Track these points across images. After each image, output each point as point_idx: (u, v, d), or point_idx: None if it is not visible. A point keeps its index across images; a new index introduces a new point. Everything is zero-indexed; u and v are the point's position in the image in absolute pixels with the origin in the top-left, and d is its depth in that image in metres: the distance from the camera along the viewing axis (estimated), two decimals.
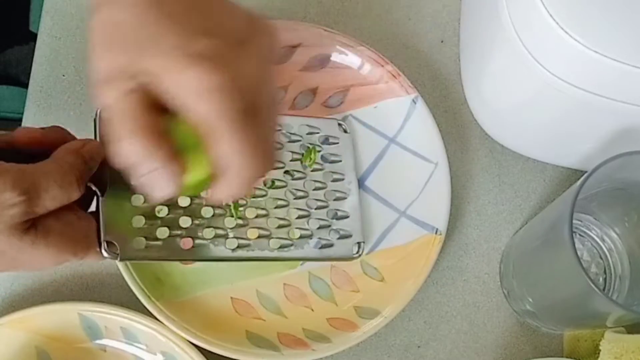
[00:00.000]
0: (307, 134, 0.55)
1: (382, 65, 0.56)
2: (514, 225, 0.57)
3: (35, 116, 0.57)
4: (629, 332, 0.51)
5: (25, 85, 0.57)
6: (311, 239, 0.53)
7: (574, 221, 0.44)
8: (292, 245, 0.52)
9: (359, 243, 0.53)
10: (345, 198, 0.54)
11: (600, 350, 0.50)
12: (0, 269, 0.41)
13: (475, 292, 0.56)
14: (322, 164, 0.55)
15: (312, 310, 0.53)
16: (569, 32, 0.43)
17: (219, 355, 0.51)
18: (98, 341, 0.51)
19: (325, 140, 0.55)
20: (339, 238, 0.53)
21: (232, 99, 0.36)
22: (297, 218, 0.53)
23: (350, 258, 0.53)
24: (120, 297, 0.53)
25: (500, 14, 0.47)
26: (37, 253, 0.40)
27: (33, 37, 0.59)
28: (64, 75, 0.58)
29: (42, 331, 0.51)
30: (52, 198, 0.39)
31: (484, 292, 0.56)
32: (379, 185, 0.56)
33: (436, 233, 0.54)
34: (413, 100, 0.56)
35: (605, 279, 0.54)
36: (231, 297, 0.53)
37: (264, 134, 0.38)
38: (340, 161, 0.55)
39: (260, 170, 0.38)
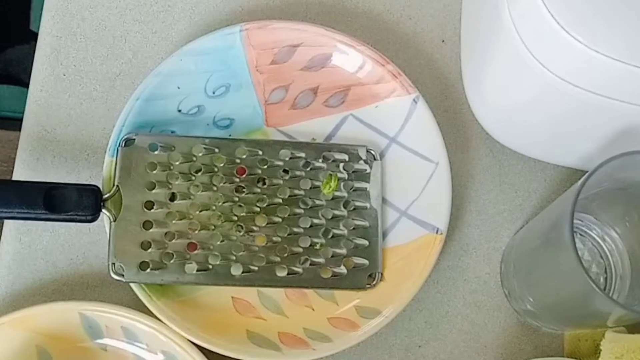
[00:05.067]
0: (332, 161, 0.54)
1: (383, 65, 0.56)
2: (514, 225, 0.57)
3: (36, 116, 0.57)
4: (629, 332, 0.51)
5: (25, 84, 0.57)
6: (321, 268, 0.52)
7: (575, 221, 0.44)
8: (300, 273, 0.52)
9: (372, 274, 0.53)
10: (365, 228, 0.54)
11: (601, 350, 0.50)
12: None
13: (475, 292, 0.56)
14: (344, 192, 0.54)
15: (313, 309, 0.53)
16: (570, 32, 0.43)
17: (219, 354, 0.51)
18: (99, 340, 0.51)
19: (351, 167, 0.55)
20: (352, 268, 0.53)
21: None
22: (309, 246, 0.53)
23: (361, 289, 0.53)
24: (121, 297, 0.53)
25: (501, 14, 0.47)
26: None
27: (34, 36, 0.59)
28: (64, 75, 0.58)
29: (42, 330, 0.51)
30: None
31: (485, 291, 0.56)
32: None
33: (437, 233, 0.54)
34: (414, 100, 0.56)
35: (606, 279, 0.54)
36: (232, 297, 0.53)
37: None
38: (365, 189, 0.54)
39: None
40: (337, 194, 0.54)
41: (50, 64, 0.58)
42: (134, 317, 0.50)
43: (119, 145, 0.52)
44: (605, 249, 0.54)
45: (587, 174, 0.44)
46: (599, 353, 0.50)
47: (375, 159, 0.55)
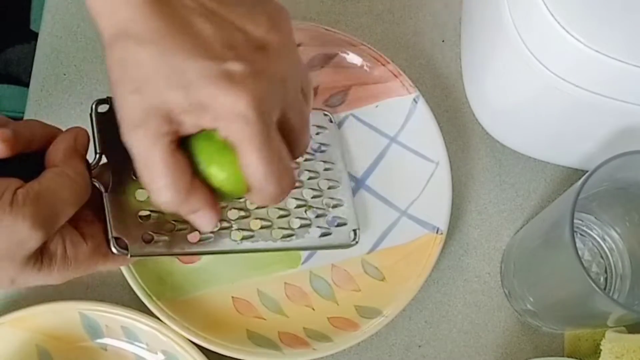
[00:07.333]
0: None
1: (383, 65, 0.56)
2: (514, 225, 0.57)
3: (36, 115, 0.57)
4: (630, 332, 0.51)
5: (26, 84, 0.57)
6: (311, 227, 0.52)
7: (575, 221, 0.44)
8: (293, 234, 0.52)
9: (354, 230, 0.53)
10: (337, 187, 0.54)
11: (601, 349, 0.50)
12: (7, 287, 0.41)
13: (476, 292, 0.56)
14: (312, 154, 0.54)
15: (313, 309, 0.53)
16: (570, 32, 0.43)
17: (220, 354, 0.51)
18: (99, 340, 0.51)
19: (313, 131, 0.55)
20: (336, 226, 0.53)
21: (262, 119, 0.35)
22: (295, 207, 0.52)
23: (348, 245, 0.53)
24: (121, 296, 0.53)
25: (501, 13, 0.47)
26: (43, 277, 0.41)
27: (34, 36, 0.59)
28: (65, 75, 0.58)
29: (43, 330, 0.51)
30: (66, 217, 0.39)
31: (485, 291, 0.56)
32: (380, 184, 0.56)
33: (437, 232, 0.54)
34: (414, 100, 0.56)
35: (606, 279, 0.54)
36: (232, 296, 0.53)
37: (294, 142, 0.39)
38: (329, 150, 0.55)
39: (281, 191, 0.38)
40: (307, 156, 0.54)
41: (50, 64, 0.58)
42: (134, 317, 0.50)
43: (91, 112, 0.45)
44: (606, 249, 0.54)
45: (587, 174, 0.44)
46: (599, 353, 0.50)
47: (331, 122, 0.56)
